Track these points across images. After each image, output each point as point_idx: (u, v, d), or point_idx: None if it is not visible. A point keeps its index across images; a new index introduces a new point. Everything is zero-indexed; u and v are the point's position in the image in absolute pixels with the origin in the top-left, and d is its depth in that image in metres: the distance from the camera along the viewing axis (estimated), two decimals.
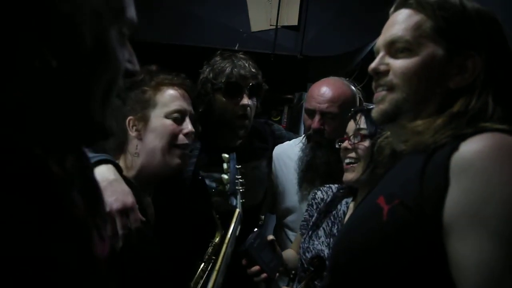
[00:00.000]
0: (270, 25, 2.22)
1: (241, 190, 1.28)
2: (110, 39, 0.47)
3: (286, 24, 2.21)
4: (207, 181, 1.51)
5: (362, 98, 1.58)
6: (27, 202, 0.39)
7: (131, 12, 0.50)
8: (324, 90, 1.50)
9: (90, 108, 0.47)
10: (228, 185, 1.28)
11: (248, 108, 1.47)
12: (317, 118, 1.48)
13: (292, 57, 2.21)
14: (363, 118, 1.18)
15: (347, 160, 1.19)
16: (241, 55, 1.49)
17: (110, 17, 0.46)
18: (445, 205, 0.65)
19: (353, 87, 1.55)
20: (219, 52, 1.51)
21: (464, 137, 0.67)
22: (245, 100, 1.45)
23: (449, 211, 0.64)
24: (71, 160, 0.51)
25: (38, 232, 0.40)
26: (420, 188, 0.67)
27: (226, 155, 1.33)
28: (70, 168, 0.50)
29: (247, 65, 1.46)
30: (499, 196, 0.61)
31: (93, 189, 0.55)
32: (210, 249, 1.24)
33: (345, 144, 1.19)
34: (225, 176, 1.29)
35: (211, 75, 1.46)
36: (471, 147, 0.65)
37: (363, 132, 1.16)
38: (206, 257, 1.22)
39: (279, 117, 2.85)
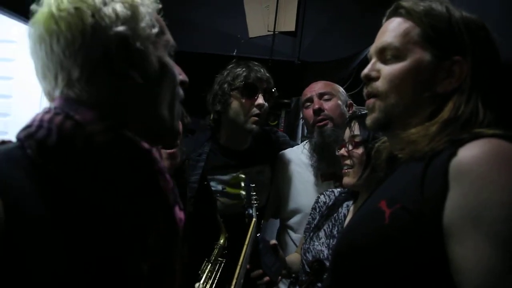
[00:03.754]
0: (268, 31, 2.24)
1: (255, 204, 1.44)
2: (166, 60, 0.68)
3: (283, 30, 2.23)
4: (214, 184, 1.59)
5: (351, 103, 1.73)
6: (140, 175, 0.63)
7: (172, 40, 0.72)
8: (314, 83, 1.71)
9: (162, 111, 0.67)
10: (245, 199, 1.45)
11: (263, 108, 1.57)
12: (315, 100, 1.64)
13: (290, 62, 2.23)
14: (357, 124, 1.22)
15: (345, 167, 1.23)
16: (256, 63, 1.62)
17: (162, 45, 0.68)
18: (445, 209, 0.66)
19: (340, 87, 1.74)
20: (234, 60, 1.64)
21: (461, 143, 0.69)
22: (260, 100, 1.56)
23: (448, 215, 0.65)
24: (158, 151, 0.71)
25: (140, 199, 0.62)
26: (421, 192, 0.68)
27: (243, 176, 1.51)
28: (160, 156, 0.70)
29: (262, 70, 1.59)
30: (497, 200, 0.63)
31: (169, 173, 0.73)
32: (215, 251, 1.31)
33: (342, 151, 1.24)
34: (243, 192, 1.47)
35: (229, 77, 1.58)
36: (469, 153, 0.66)
37: (357, 139, 1.20)
38: (213, 258, 1.29)
39: (276, 122, 2.86)
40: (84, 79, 0.61)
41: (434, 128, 0.75)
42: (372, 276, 0.72)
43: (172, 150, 1.13)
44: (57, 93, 0.63)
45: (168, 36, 0.71)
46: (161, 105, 0.66)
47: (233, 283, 1.19)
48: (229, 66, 1.63)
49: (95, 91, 0.62)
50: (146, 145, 0.64)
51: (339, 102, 1.65)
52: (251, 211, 1.42)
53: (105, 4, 0.62)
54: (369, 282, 0.73)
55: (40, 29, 0.62)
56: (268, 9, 2.24)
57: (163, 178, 0.67)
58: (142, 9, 0.65)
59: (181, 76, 0.71)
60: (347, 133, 1.25)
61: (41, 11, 0.62)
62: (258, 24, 2.25)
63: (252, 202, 1.44)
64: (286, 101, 2.68)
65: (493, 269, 0.61)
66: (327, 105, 1.63)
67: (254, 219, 1.39)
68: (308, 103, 1.67)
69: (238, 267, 1.22)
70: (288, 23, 2.23)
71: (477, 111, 0.74)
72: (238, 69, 1.58)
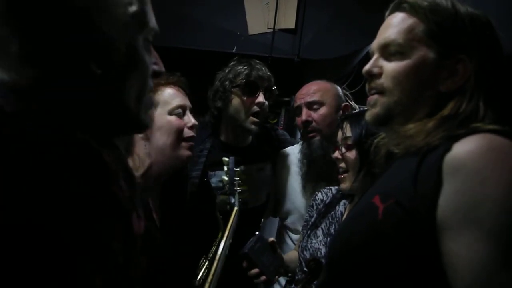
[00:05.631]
0: (268, 28, 2.23)
1: (238, 191, 1.36)
2: (138, 46, 0.56)
3: (283, 27, 2.22)
4: (215, 180, 1.59)
5: (350, 100, 1.69)
6: (83, 184, 0.49)
7: (153, 22, 0.59)
8: (306, 87, 1.65)
9: (127, 104, 0.57)
10: (228, 185, 1.36)
11: (263, 106, 1.56)
12: (304, 110, 1.60)
13: (289, 60, 2.22)
14: (348, 125, 1.20)
15: (340, 170, 1.22)
16: (257, 61, 1.61)
17: (136, 28, 0.55)
18: (438, 205, 0.65)
19: (336, 86, 1.67)
20: (236, 57, 1.63)
21: (456, 138, 0.68)
22: (261, 98, 1.55)
23: (442, 211, 0.65)
24: (116, 152, 0.60)
25: (89, 208, 0.50)
26: (414, 188, 0.68)
27: (226, 159, 1.40)
28: (117, 158, 0.59)
29: (263, 68, 1.58)
30: (491, 195, 0.62)
31: (131, 176, 0.64)
32: (213, 248, 1.28)
33: (336, 154, 1.23)
34: (225, 178, 1.38)
35: (230, 74, 1.56)
36: (464, 148, 0.66)
37: (349, 141, 1.18)
38: (211, 255, 1.26)
39: (276, 120, 2.85)
40: (24, 59, 0.48)
41: (431, 123, 0.74)
42: (366, 272, 0.72)
43: (190, 143, 1.19)
44: None
45: (149, 17, 0.58)
46: (124, 99, 0.56)
47: (211, 273, 1.10)
48: (231, 63, 1.61)
49: (36, 76, 0.49)
50: (95, 145, 0.53)
51: (330, 109, 1.59)
52: (233, 200, 1.33)
53: None
54: (363, 278, 0.72)
55: None
56: (268, 7, 2.23)
57: (115, 183, 0.55)
58: None
59: (156, 66, 0.64)
60: (339, 135, 1.23)
61: None
62: (258, 21, 2.24)
63: (235, 188, 1.35)
64: (286, 99, 2.67)
65: (486, 265, 0.61)
66: (316, 115, 1.58)
67: (235, 208, 1.32)
68: (298, 110, 1.65)
69: (216, 261, 1.14)
70: (288, 21, 2.22)
71: (477, 110, 0.73)
72: (240, 67, 1.57)
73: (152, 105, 0.66)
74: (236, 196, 1.35)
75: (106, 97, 0.54)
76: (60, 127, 0.50)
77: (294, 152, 1.75)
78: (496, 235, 0.61)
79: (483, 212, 0.62)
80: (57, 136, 0.49)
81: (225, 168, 1.40)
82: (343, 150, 1.20)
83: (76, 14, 0.48)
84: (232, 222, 1.28)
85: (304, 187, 1.64)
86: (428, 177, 0.67)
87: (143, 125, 0.62)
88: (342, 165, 1.20)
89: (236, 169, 1.39)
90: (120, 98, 0.56)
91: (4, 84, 0.48)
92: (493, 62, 0.76)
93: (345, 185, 1.20)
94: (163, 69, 0.65)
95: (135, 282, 0.60)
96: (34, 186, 0.44)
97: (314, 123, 1.58)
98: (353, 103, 1.70)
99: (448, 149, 0.67)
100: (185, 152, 1.18)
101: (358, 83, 1.77)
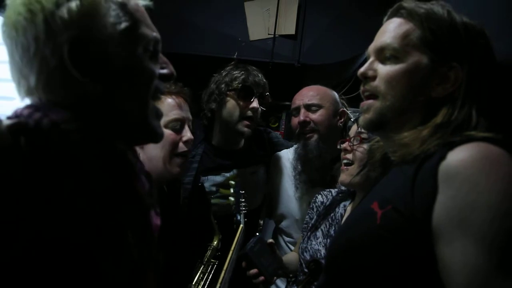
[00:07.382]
0: (268, 34, 2.25)
1: (244, 211, 1.45)
2: (134, 57, 0.63)
3: (283, 33, 2.25)
4: (208, 185, 1.59)
5: (346, 107, 1.69)
6: (110, 177, 0.60)
7: (150, 33, 0.66)
8: (305, 90, 1.67)
9: (129, 111, 0.64)
10: (234, 206, 1.44)
11: (256, 112, 1.58)
12: (301, 111, 1.61)
13: (290, 65, 2.24)
14: None
15: (344, 161, 1.23)
16: (254, 67, 1.63)
17: (132, 42, 0.62)
18: (434, 211, 0.67)
19: (334, 91, 1.69)
20: (233, 62, 1.66)
21: (451, 146, 0.70)
22: (255, 104, 1.57)
23: (437, 217, 0.67)
24: (136, 155, 0.70)
25: (114, 198, 0.59)
26: (411, 194, 0.70)
27: (233, 182, 1.49)
28: (138, 160, 0.68)
29: (260, 75, 1.61)
30: (484, 202, 0.64)
31: (149, 176, 0.71)
32: (208, 253, 1.32)
33: (345, 145, 1.23)
34: (232, 199, 1.47)
35: (227, 78, 1.58)
36: (458, 156, 0.68)
37: (363, 135, 1.20)
38: (206, 259, 1.30)
39: (277, 124, 2.87)
40: (41, 87, 0.59)
41: (425, 131, 0.76)
42: (364, 274, 0.74)
43: (182, 159, 1.17)
44: (21, 98, 0.62)
45: (144, 29, 0.65)
46: (127, 104, 0.63)
47: (218, 283, 1.19)
48: (228, 68, 1.64)
49: (58, 96, 0.60)
50: (121, 146, 0.62)
51: (328, 112, 1.61)
52: (239, 217, 1.42)
53: (58, 5, 0.57)
54: (361, 280, 0.74)
55: (5, 34, 0.60)
56: (268, 13, 2.26)
57: (138, 180, 0.63)
58: (104, 5, 0.60)
59: (165, 70, 0.70)
60: (354, 128, 1.25)
61: (6, 14, 0.60)
62: (258, 27, 2.27)
63: (241, 208, 1.44)
64: (286, 103, 2.69)
65: (479, 270, 0.63)
66: (314, 116, 1.60)
67: (241, 226, 1.40)
68: (296, 111, 1.66)
69: (223, 272, 1.22)
70: (288, 27, 2.24)
71: (470, 118, 0.75)
72: (237, 71, 1.60)
73: (160, 113, 0.71)
74: (242, 215, 1.44)
75: (112, 106, 0.62)
76: (87, 130, 0.59)
77: (288, 155, 1.74)
78: (489, 241, 0.63)
79: (476, 218, 0.64)
80: (86, 138, 0.58)
81: (231, 190, 1.48)
82: (355, 142, 1.20)
83: (72, 44, 0.58)
84: (238, 237, 1.36)
85: (297, 189, 1.64)
86: (424, 184, 0.69)
87: (151, 130, 0.67)
88: (349, 156, 1.21)
89: (242, 192, 1.48)
90: (122, 106, 0.63)
91: (50, 103, 0.60)
92: (485, 71, 0.78)
93: (345, 176, 1.20)
94: (171, 71, 0.71)
95: (151, 277, 0.64)
96: (68, 179, 0.55)
97: (312, 124, 1.60)
98: (348, 110, 1.71)
99: (443, 157, 0.69)
100: (175, 169, 1.17)
101: (358, 88, 1.78)
